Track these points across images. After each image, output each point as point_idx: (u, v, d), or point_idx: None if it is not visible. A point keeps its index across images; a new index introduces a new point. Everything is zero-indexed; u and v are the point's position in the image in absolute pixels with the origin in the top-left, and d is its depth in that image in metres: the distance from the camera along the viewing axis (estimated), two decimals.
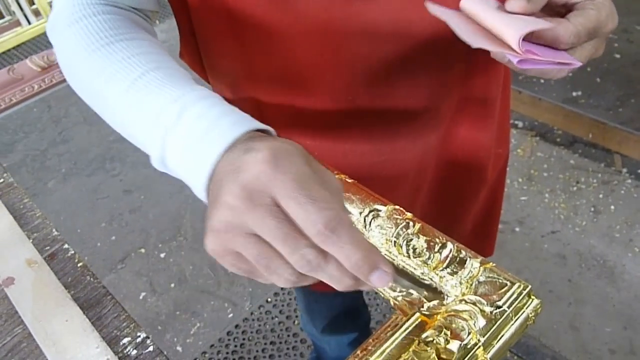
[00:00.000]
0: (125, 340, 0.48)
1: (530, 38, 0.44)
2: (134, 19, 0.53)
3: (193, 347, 1.63)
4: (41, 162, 2.32)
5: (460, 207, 0.81)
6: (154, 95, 0.43)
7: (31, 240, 0.56)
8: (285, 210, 0.34)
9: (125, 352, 0.47)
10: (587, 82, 2.22)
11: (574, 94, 2.18)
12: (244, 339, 1.63)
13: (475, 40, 0.43)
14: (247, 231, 0.34)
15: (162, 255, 1.91)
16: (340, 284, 0.35)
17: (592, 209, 1.81)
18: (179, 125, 0.41)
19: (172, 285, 1.81)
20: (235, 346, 1.61)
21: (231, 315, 1.70)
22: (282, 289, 1.71)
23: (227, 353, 1.60)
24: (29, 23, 3.15)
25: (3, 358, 0.48)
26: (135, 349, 0.47)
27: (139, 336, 0.48)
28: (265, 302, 1.71)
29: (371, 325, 1.42)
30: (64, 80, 0.70)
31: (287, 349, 1.59)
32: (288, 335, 1.61)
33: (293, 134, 0.66)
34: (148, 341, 0.48)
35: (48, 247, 0.56)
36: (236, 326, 1.66)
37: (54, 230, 0.58)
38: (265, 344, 1.61)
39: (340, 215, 0.34)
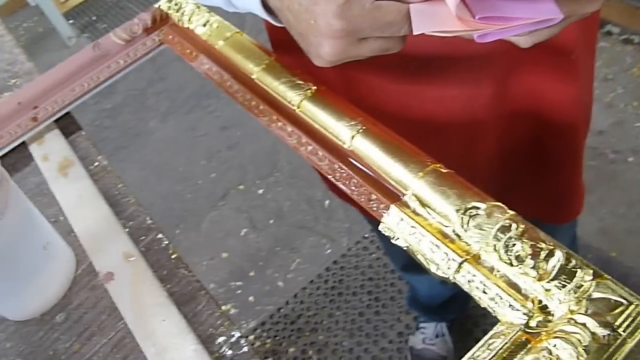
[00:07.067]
0: (221, 339, 0.48)
1: None
2: None
3: (293, 283, 1.68)
4: (141, 101, 2.40)
5: (535, 168, 0.74)
6: None
7: (126, 230, 0.58)
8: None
9: (220, 352, 0.48)
10: None
11: None
12: (342, 275, 1.66)
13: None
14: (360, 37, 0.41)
15: (260, 191, 1.95)
16: None
17: None
18: None
19: (271, 221, 1.86)
20: (334, 282, 1.65)
21: (329, 251, 1.73)
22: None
23: (327, 289, 1.64)
24: None
25: (109, 353, 0.50)
26: (230, 349, 0.48)
27: (234, 335, 0.48)
28: (362, 238, 1.72)
29: None
30: (148, 53, 0.69)
31: (385, 285, 1.60)
32: (386, 272, 1.62)
33: None
34: (242, 341, 0.48)
35: (143, 237, 0.57)
36: (334, 262, 1.69)
37: (147, 218, 0.59)
38: (363, 280, 1.63)
39: None
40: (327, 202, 1.84)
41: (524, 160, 0.74)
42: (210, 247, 1.82)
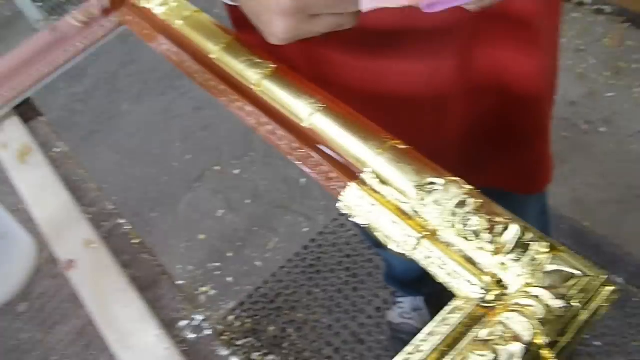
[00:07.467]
0: (183, 323, 0.48)
1: None
2: None
3: (272, 262, 1.69)
4: (113, 84, 2.36)
5: (502, 140, 0.75)
6: None
7: (88, 216, 0.57)
8: None
9: (183, 336, 0.47)
10: None
11: None
12: (320, 253, 1.66)
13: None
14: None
15: (236, 171, 1.94)
16: None
17: None
18: None
19: (248, 201, 1.85)
20: (312, 260, 1.65)
21: (306, 229, 1.73)
22: None
23: (305, 267, 1.64)
24: None
25: (72, 341, 0.50)
26: (193, 332, 0.47)
27: (196, 319, 0.48)
28: (339, 215, 1.72)
29: None
30: (106, 34, 0.68)
31: (363, 261, 1.61)
32: (363, 248, 1.63)
33: None
34: (205, 324, 0.48)
35: (105, 223, 0.56)
36: (312, 240, 1.69)
37: (109, 203, 0.58)
38: (340, 257, 1.64)
39: None
40: (303, 180, 1.84)
41: (491, 133, 0.74)
42: (187, 229, 1.81)
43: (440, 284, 1.39)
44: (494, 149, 0.76)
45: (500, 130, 0.73)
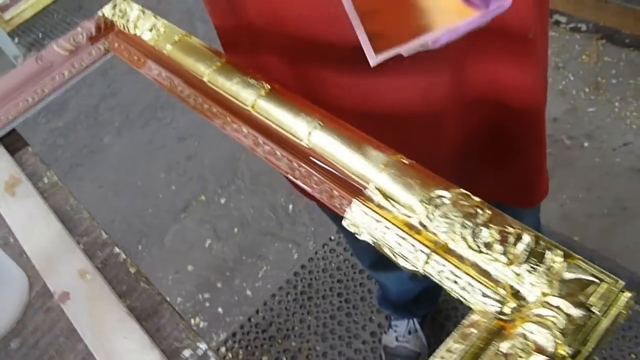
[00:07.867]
0: (187, 352, 0.46)
1: None
2: None
3: (262, 291, 1.66)
4: (94, 117, 2.34)
5: (500, 154, 0.74)
6: None
7: (81, 246, 0.55)
8: None
9: None
10: None
11: None
12: (311, 279, 1.64)
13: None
14: None
15: (222, 200, 1.92)
16: None
17: None
18: None
19: (235, 230, 1.83)
20: (303, 287, 1.63)
21: (296, 256, 1.71)
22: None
23: (296, 294, 1.62)
24: None
25: None
26: None
27: (200, 348, 0.46)
28: (328, 241, 1.70)
29: None
30: (94, 62, 0.67)
31: (355, 286, 1.59)
32: (354, 273, 1.61)
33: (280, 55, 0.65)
34: (210, 353, 0.46)
35: (99, 253, 0.54)
36: (302, 267, 1.67)
37: (103, 233, 0.56)
38: (332, 282, 1.62)
39: None
40: (290, 206, 1.83)
41: (488, 147, 0.74)
42: (174, 260, 1.78)
43: (434, 306, 1.39)
44: (491, 163, 0.76)
45: (498, 143, 0.73)
